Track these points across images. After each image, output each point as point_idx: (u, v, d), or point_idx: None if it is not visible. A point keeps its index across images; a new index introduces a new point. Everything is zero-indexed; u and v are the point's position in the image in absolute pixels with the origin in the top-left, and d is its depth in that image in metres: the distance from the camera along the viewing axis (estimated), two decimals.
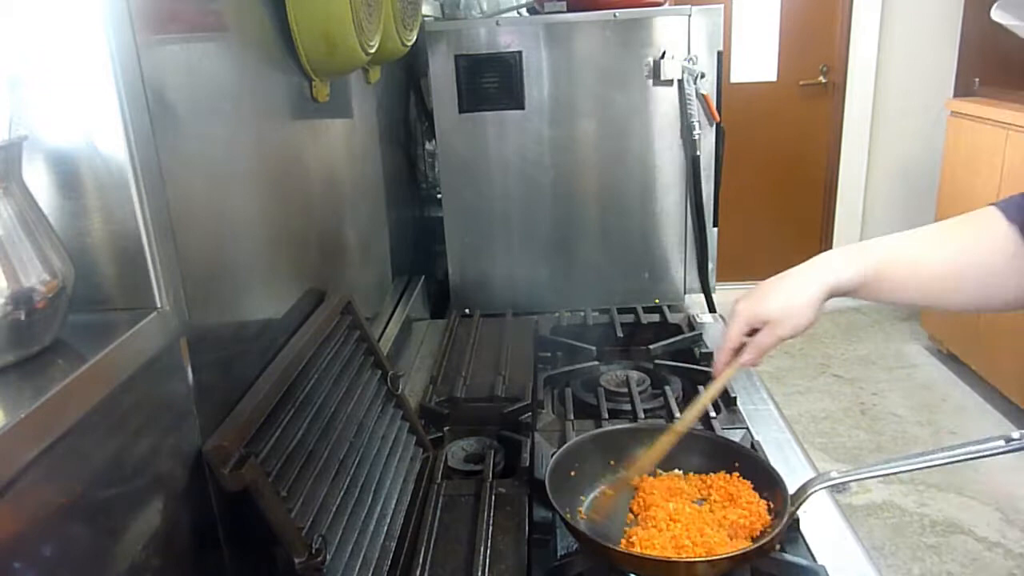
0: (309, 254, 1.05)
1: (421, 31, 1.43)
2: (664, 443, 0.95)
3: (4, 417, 0.44)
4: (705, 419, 1.18)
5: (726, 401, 1.25)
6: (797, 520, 0.93)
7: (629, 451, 1.01)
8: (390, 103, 1.65)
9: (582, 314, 1.61)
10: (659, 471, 1.00)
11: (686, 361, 1.39)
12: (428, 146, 1.91)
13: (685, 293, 1.77)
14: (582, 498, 0.97)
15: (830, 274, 0.85)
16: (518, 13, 1.83)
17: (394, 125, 1.69)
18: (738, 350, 0.91)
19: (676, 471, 1.00)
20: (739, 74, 3.99)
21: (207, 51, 0.75)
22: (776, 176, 4.20)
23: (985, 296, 0.83)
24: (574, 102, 1.64)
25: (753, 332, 0.89)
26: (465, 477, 1.08)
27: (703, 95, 1.62)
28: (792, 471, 1.05)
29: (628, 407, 1.24)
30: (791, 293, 0.86)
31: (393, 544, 0.90)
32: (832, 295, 0.85)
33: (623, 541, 0.87)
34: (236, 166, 0.82)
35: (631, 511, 0.95)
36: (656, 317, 1.59)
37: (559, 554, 0.90)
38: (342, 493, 0.84)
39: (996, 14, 0.57)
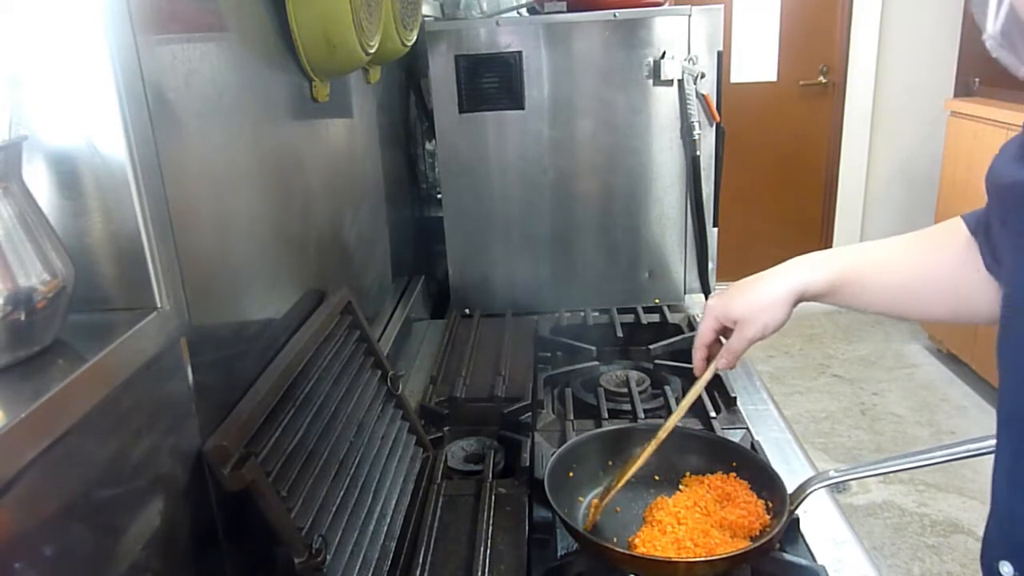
0: (309, 254, 1.05)
1: (421, 31, 1.43)
2: (647, 451, 0.94)
3: (4, 417, 0.44)
4: (705, 419, 1.18)
5: (726, 401, 1.25)
6: (797, 520, 0.93)
7: (628, 451, 1.01)
8: (390, 103, 1.65)
9: (582, 314, 1.61)
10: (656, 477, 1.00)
11: (686, 361, 1.38)
12: (428, 146, 1.90)
13: (685, 293, 1.77)
14: (580, 499, 0.97)
15: (799, 278, 0.86)
16: (518, 13, 1.82)
17: (394, 125, 1.69)
18: (713, 347, 0.94)
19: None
20: (739, 74, 3.99)
21: (207, 51, 0.75)
22: (776, 176, 4.20)
23: (950, 307, 0.82)
24: (574, 102, 1.64)
25: (724, 332, 0.92)
26: (465, 477, 1.08)
27: (703, 95, 1.62)
28: (792, 471, 1.05)
29: (628, 407, 1.24)
30: (759, 294, 0.87)
31: (393, 544, 0.90)
32: (801, 299, 0.86)
33: (623, 541, 0.87)
34: (236, 166, 0.82)
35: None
36: (656, 317, 1.59)
37: (559, 554, 0.91)
38: (342, 493, 0.84)
39: (990, 44, 0.55)
